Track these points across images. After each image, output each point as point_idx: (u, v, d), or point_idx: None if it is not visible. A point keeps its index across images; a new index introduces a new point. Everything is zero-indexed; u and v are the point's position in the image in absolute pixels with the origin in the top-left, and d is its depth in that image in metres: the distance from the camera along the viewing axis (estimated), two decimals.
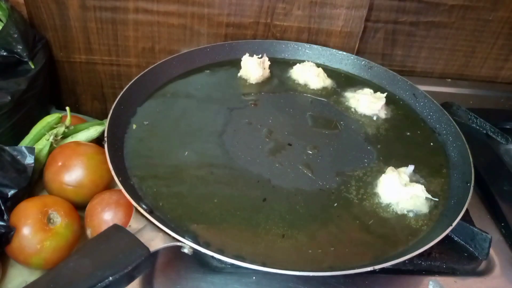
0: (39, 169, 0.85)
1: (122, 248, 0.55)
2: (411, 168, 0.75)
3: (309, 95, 0.96)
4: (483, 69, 1.21)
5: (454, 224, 0.65)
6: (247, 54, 0.97)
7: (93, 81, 1.13)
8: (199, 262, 0.66)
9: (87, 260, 0.54)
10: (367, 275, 0.67)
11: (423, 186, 0.71)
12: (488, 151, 0.92)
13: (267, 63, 0.99)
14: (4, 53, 0.90)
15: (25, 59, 0.92)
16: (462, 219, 0.66)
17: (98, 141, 0.92)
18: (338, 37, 1.09)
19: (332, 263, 0.62)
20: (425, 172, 0.79)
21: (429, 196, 0.71)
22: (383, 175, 0.73)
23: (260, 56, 0.98)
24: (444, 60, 1.18)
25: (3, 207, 0.74)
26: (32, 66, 0.93)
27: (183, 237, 0.58)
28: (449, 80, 1.20)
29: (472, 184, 0.73)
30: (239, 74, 0.98)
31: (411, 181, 0.74)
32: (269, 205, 0.69)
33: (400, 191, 0.71)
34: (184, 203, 0.67)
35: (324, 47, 1.05)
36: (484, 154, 0.90)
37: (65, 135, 0.90)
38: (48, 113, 0.95)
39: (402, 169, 0.75)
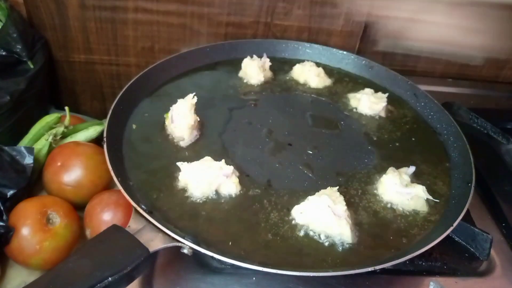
0: (38, 169, 0.85)
1: (122, 249, 0.55)
2: (412, 169, 0.75)
3: (309, 94, 0.95)
4: (484, 69, 1.20)
5: (455, 224, 0.65)
6: (247, 58, 0.97)
7: (92, 80, 1.12)
8: (199, 262, 0.66)
9: (87, 261, 0.54)
10: (367, 276, 0.67)
11: (424, 187, 0.71)
12: (489, 151, 0.92)
13: (268, 64, 0.98)
14: (3, 53, 0.90)
15: (24, 59, 0.92)
16: (463, 219, 0.66)
17: (97, 141, 0.91)
18: (338, 36, 1.09)
19: (333, 264, 0.61)
20: (426, 173, 0.78)
21: (430, 197, 0.71)
22: (384, 175, 0.73)
23: (260, 57, 0.98)
24: (445, 60, 1.18)
25: (2, 208, 0.74)
26: (31, 66, 0.93)
27: (183, 237, 0.58)
28: (450, 80, 1.19)
29: (473, 185, 0.73)
30: (239, 75, 0.97)
31: (412, 181, 0.73)
32: (269, 205, 0.69)
33: (401, 192, 0.70)
34: (184, 203, 0.67)
35: (325, 47, 1.05)
36: (485, 154, 0.89)
37: (64, 135, 0.90)
38: (47, 113, 0.95)
39: (403, 169, 0.75)
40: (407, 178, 0.72)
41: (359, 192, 0.73)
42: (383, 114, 0.91)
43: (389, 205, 0.71)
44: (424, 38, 1.10)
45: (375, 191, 0.73)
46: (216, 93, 0.91)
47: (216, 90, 0.92)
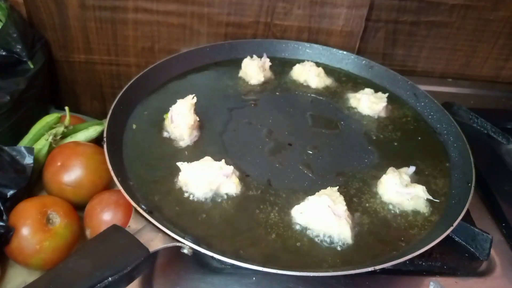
0: (38, 169, 0.85)
1: (122, 249, 0.55)
2: (412, 169, 0.75)
3: (309, 94, 0.95)
4: (484, 69, 1.20)
5: (455, 224, 0.65)
6: (248, 58, 0.97)
7: (92, 80, 1.12)
8: (199, 262, 0.66)
9: (87, 261, 0.54)
10: (367, 276, 0.67)
11: (424, 187, 0.71)
12: (489, 151, 0.92)
13: (268, 64, 0.98)
14: (3, 53, 0.90)
15: (24, 59, 0.92)
16: (463, 219, 0.66)
17: (97, 141, 0.91)
18: (338, 36, 1.09)
19: (333, 264, 0.61)
20: (426, 173, 0.78)
21: (430, 197, 0.71)
22: (384, 175, 0.73)
23: (260, 57, 0.98)
24: (445, 59, 1.18)
25: (2, 208, 0.74)
26: (31, 66, 0.93)
27: (183, 237, 0.58)
28: (450, 79, 1.19)
29: (473, 185, 0.73)
30: (239, 75, 0.97)
31: (412, 181, 0.73)
32: (269, 205, 0.69)
33: (401, 192, 0.70)
34: (184, 203, 0.67)
35: (325, 47, 1.05)
36: (485, 154, 0.89)
37: (64, 135, 0.90)
38: (47, 113, 0.95)
39: (403, 169, 0.75)
40: (407, 178, 0.72)
41: (359, 192, 0.73)
42: (383, 114, 0.91)
43: (389, 205, 0.71)
44: None
45: (375, 191, 0.73)
46: (216, 93, 0.91)
47: (216, 90, 0.92)
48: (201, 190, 0.68)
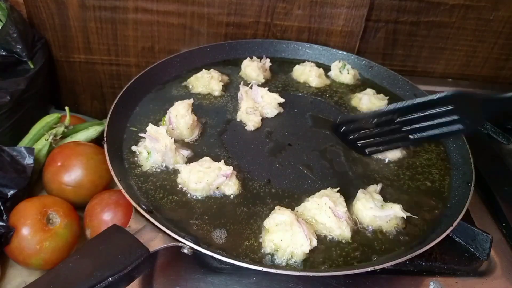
0: (39, 169, 0.85)
1: (122, 249, 0.55)
2: (379, 186, 0.72)
3: (309, 95, 0.95)
4: (484, 69, 1.20)
5: (454, 224, 0.65)
6: (247, 59, 0.97)
7: (92, 80, 1.12)
8: (199, 262, 0.66)
9: (87, 261, 0.54)
10: (367, 276, 0.67)
11: (400, 205, 0.66)
12: (489, 151, 0.92)
13: (268, 64, 0.98)
14: (4, 53, 0.90)
15: (25, 59, 0.92)
16: (462, 219, 0.66)
17: (97, 141, 0.91)
18: (338, 36, 1.09)
19: (333, 263, 0.61)
20: (426, 172, 0.78)
21: (408, 214, 0.66)
22: (356, 201, 0.68)
23: (260, 58, 0.98)
24: (445, 60, 1.18)
25: (2, 208, 0.74)
26: (32, 66, 0.93)
27: (183, 237, 0.58)
28: (450, 79, 1.20)
29: (473, 184, 0.73)
30: (239, 75, 0.97)
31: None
32: (269, 205, 0.68)
33: (379, 216, 0.66)
34: (184, 203, 0.67)
35: (325, 47, 1.05)
36: (485, 154, 0.89)
37: (64, 135, 0.90)
38: (47, 113, 0.95)
39: (371, 188, 0.71)
40: (379, 198, 0.68)
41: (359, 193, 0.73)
42: None
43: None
44: None
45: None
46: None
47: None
48: (200, 190, 0.68)
